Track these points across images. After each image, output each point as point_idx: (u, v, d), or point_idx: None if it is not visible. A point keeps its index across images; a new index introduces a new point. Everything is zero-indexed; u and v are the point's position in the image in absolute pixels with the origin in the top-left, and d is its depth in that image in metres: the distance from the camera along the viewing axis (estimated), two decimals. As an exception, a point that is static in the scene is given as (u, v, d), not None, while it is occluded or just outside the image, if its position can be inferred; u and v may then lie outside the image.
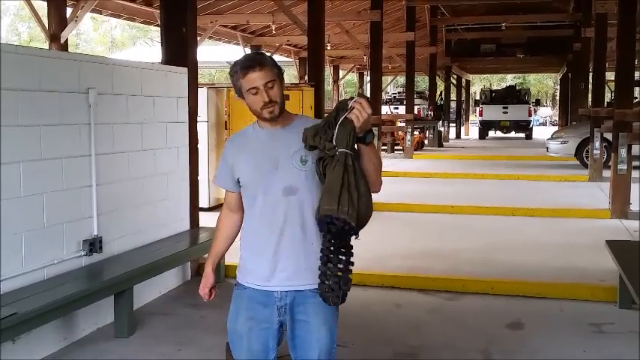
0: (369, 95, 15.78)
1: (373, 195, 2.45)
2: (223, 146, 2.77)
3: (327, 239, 2.35)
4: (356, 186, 2.32)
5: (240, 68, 2.50)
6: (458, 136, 30.18)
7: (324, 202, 2.32)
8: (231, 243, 2.86)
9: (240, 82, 2.51)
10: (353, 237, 2.38)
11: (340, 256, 2.36)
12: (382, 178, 2.56)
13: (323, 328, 2.57)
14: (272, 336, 2.60)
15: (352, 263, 2.40)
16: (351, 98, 2.36)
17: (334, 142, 2.33)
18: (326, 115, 2.44)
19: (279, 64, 2.57)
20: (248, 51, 18.86)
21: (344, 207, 2.27)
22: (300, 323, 2.57)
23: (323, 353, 2.57)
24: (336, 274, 2.35)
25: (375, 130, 14.59)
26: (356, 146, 2.38)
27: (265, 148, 2.57)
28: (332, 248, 2.35)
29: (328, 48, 17.82)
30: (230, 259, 5.86)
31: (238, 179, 2.63)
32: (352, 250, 2.40)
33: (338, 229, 2.31)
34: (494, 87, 44.28)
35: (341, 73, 30.29)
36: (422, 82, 39.30)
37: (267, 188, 2.54)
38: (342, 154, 2.32)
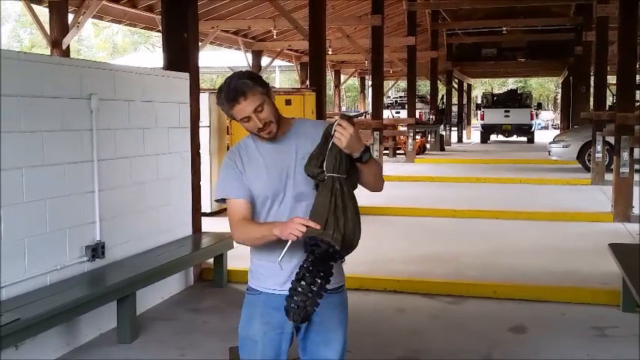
0: (370, 99, 15.80)
1: (375, 195, 2.48)
2: (226, 157, 2.68)
3: (308, 259, 2.34)
4: (343, 210, 2.35)
5: (227, 100, 2.47)
6: (460, 140, 30.19)
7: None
8: None
9: (230, 112, 2.50)
10: (339, 261, 2.39)
11: (316, 279, 2.34)
12: (384, 182, 2.61)
13: (339, 329, 2.59)
14: (285, 340, 2.60)
15: (326, 290, 2.37)
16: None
17: (324, 168, 2.38)
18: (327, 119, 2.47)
19: (264, 77, 2.55)
20: (249, 56, 18.90)
21: (329, 230, 2.30)
22: (316, 324, 2.57)
23: (339, 353, 2.59)
24: (305, 294, 2.33)
25: (376, 134, 14.60)
26: (357, 165, 2.43)
27: (272, 159, 2.56)
28: (310, 268, 2.34)
29: (329, 53, 17.81)
30: (233, 264, 5.88)
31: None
32: (330, 278, 2.38)
33: (322, 252, 2.31)
34: (496, 91, 44.26)
35: (342, 77, 30.36)
36: (423, 86, 39.32)
37: (279, 196, 2.54)
38: (330, 179, 2.37)
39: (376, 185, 2.57)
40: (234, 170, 2.58)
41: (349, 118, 2.38)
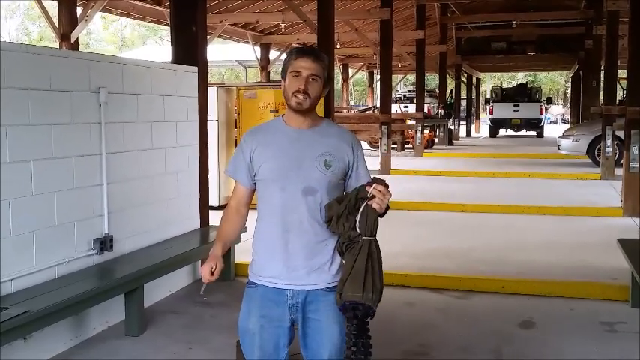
0: (378, 93, 15.75)
1: None
2: (242, 137, 2.72)
3: (352, 324, 2.43)
4: (379, 271, 2.43)
5: (297, 51, 2.60)
6: (468, 134, 30.10)
7: (348, 288, 2.40)
8: (237, 236, 2.91)
9: (289, 63, 2.58)
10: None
11: (363, 339, 2.45)
12: (392, 176, 2.63)
13: (335, 327, 2.58)
14: (283, 334, 2.60)
15: (371, 345, 2.48)
16: (370, 184, 2.43)
17: (358, 230, 2.42)
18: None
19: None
20: (258, 50, 18.86)
21: (369, 293, 2.39)
22: (312, 322, 2.58)
23: (334, 352, 2.58)
24: (362, 355, 2.43)
25: (384, 128, 14.56)
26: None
27: (290, 147, 2.57)
28: (355, 332, 2.43)
29: (338, 46, 17.78)
30: (240, 258, 5.89)
31: (255, 174, 2.62)
32: (370, 332, 2.48)
33: (363, 313, 2.41)
34: (505, 85, 44.06)
35: (351, 71, 30.29)
36: (432, 80, 39.21)
37: (286, 187, 2.54)
38: (367, 242, 2.41)
39: None
40: (242, 155, 2.64)
41: (386, 184, 2.43)
